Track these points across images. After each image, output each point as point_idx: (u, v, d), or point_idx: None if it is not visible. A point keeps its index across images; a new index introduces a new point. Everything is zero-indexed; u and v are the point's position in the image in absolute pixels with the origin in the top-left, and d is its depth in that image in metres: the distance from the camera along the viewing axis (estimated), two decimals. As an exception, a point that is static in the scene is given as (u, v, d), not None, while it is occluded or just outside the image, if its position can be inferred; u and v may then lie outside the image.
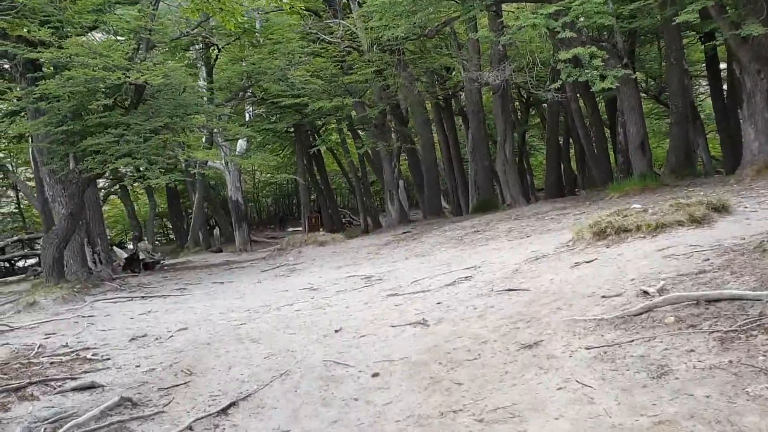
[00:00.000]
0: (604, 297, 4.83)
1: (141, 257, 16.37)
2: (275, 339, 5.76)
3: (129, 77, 11.11)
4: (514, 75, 13.43)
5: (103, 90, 12.53)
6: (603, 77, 11.90)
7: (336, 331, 5.69)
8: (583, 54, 11.52)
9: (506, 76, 13.17)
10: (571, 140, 27.04)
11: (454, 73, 26.68)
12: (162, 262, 17.71)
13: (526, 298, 5.44)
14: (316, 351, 5.20)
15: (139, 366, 5.45)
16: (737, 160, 22.35)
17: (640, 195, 14.18)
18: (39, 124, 12.68)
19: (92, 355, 6.07)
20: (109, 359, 5.83)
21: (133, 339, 6.64)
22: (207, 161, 17.11)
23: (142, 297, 10.49)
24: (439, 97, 25.13)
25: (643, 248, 6.13)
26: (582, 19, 12.42)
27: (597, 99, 23.60)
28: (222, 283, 12.07)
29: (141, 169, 11.64)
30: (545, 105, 33.28)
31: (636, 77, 14.86)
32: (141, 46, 12.47)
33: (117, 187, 32.29)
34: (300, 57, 16.78)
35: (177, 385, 4.77)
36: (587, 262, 6.16)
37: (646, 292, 4.62)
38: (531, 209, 15.67)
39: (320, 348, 5.27)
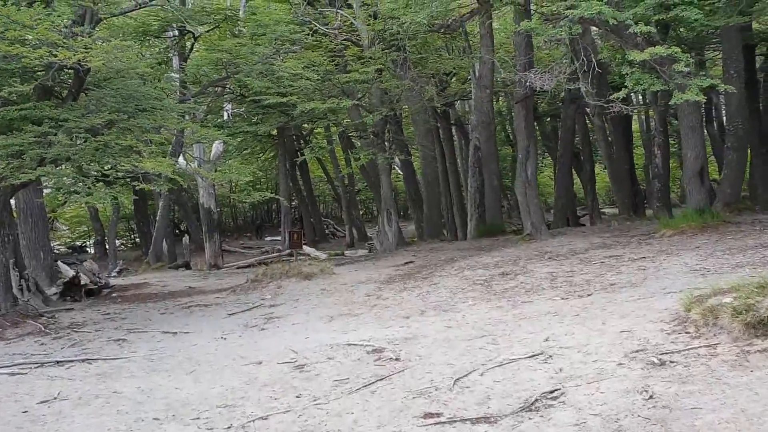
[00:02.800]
0: None
1: (83, 282, 13.36)
2: None
3: (56, 56, 8.16)
4: (567, 80, 10.73)
5: (33, 71, 9.57)
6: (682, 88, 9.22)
7: None
8: (663, 55, 8.81)
9: (561, 79, 10.47)
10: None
11: (454, 79, 24.06)
12: (111, 286, 14.71)
13: None
14: None
15: None
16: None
17: (702, 235, 11.49)
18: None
19: None
20: None
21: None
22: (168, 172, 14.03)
23: (57, 362, 7.53)
24: (437, 105, 22.44)
25: None
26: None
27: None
28: (175, 334, 9.17)
29: (66, 181, 8.77)
30: (548, 119, 30.81)
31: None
32: (81, 16, 9.52)
33: (79, 185, 28.97)
34: (288, 46, 13.88)
35: None
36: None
37: None
38: (561, 244, 12.91)
39: None
